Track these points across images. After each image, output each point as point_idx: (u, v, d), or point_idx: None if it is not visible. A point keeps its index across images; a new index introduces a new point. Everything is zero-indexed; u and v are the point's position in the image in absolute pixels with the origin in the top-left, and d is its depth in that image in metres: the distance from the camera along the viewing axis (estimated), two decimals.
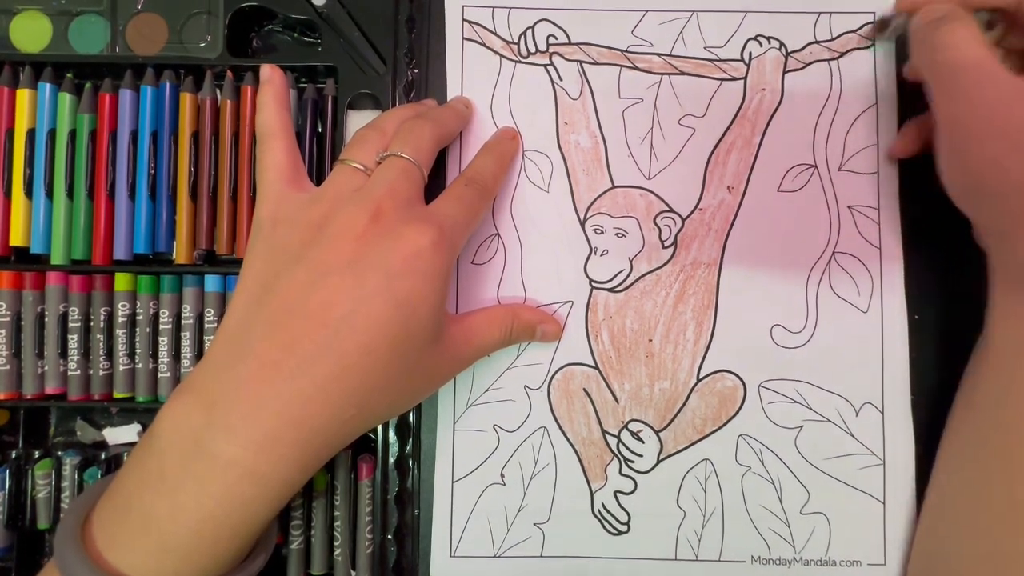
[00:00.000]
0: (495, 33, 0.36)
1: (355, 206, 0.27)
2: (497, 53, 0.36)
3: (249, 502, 0.24)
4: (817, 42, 0.35)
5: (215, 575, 0.25)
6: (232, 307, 0.27)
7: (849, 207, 0.35)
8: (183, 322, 0.33)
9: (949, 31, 0.28)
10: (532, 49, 0.36)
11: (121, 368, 0.33)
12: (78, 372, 0.33)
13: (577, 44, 0.36)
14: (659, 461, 0.34)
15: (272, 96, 0.31)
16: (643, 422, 0.34)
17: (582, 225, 0.35)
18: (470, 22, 0.36)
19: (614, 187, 0.35)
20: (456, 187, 0.31)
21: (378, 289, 0.25)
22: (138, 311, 0.33)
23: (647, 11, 0.36)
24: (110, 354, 0.33)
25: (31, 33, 0.34)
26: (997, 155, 0.27)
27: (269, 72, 0.32)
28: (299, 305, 0.25)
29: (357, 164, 0.29)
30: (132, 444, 0.35)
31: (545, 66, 0.36)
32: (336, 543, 0.33)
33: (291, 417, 0.24)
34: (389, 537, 0.33)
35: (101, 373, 0.33)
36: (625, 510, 0.34)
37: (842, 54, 0.35)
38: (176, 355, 0.33)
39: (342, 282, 0.25)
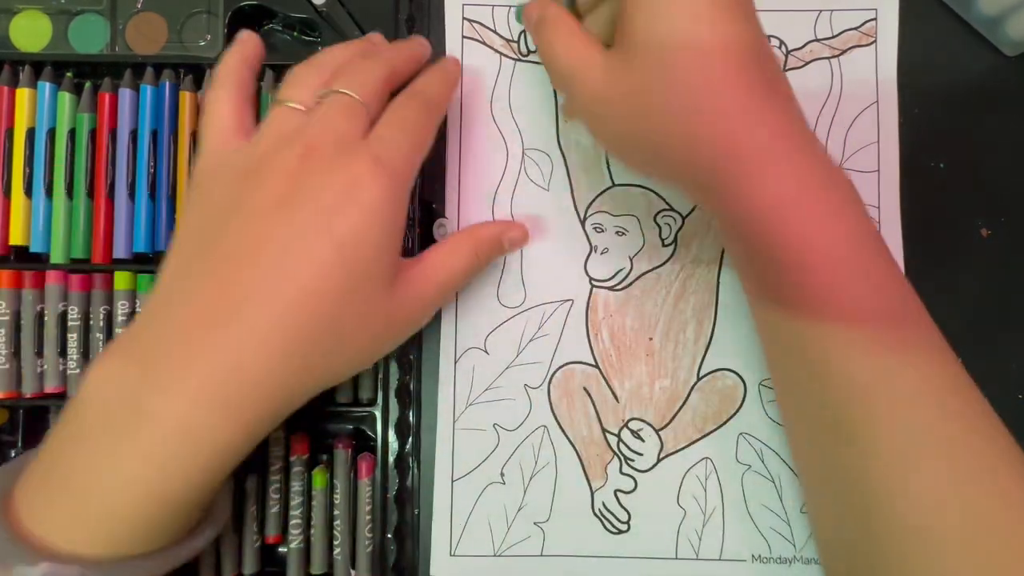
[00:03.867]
0: (495, 31, 0.36)
1: (289, 145, 0.25)
2: (497, 51, 0.36)
3: (179, 462, 0.22)
4: (817, 40, 0.35)
5: (146, 548, 0.23)
6: (165, 262, 0.26)
7: None
8: None
9: (540, 35, 0.28)
10: (532, 47, 0.36)
11: None
12: (78, 371, 0.32)
13: None
14: (659, 460, 0.34)
15: (238, 51, 0.30)
16: (643, 421, 0.34)
17: (582, 223, 0.35)
18: (470, 20, 0.36)
19: (614, 185, 0.35)
20: (393, 107, 0.28)
21: (312, 227, 0.24)
22: (138, 310, 0.33)
23: None
24: None
25: (31, 32, 0.34)
26: (617, 146, 0.28)
27: (244, 34, 0.30)
28: (231, 251, 0.24)
29: (294, 104, 0.27)
30: None
31: None
32: (336, 542, 0.33)
33: (225, 366, 0.23)
34: (389, 536, 0.33)
35: None
36: (625, 509, 0.34)
37: (843, 52, 0.35)
38: None
39: (272, 221, 0.24)
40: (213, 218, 0.25)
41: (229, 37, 0.34)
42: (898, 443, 0.24)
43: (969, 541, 0.23)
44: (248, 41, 0.30)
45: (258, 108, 0.33)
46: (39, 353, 0.33)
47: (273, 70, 0.34)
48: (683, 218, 0.35)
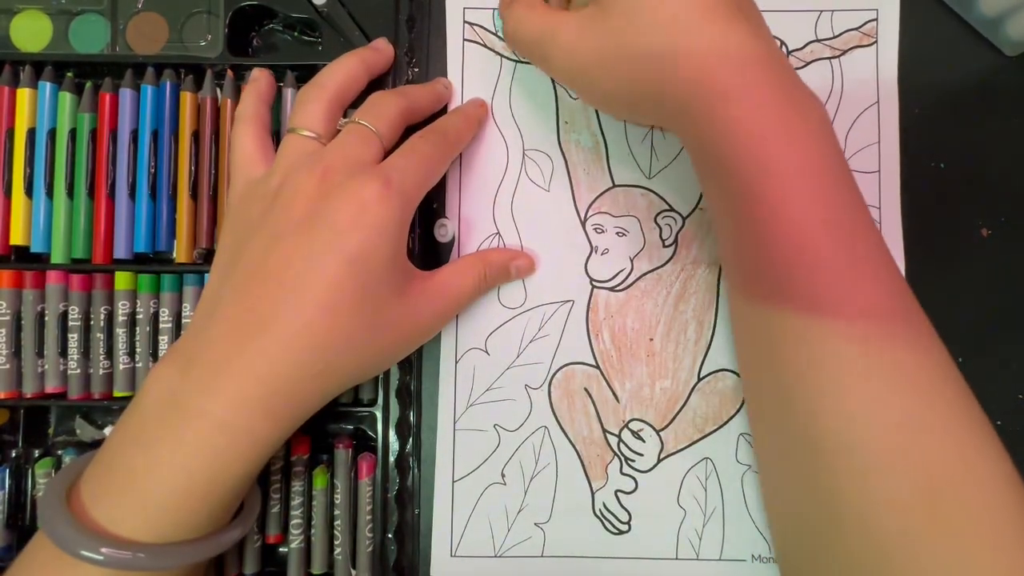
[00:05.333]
0: (496, 34, 0.36)
1: (306, 170, 0.28)
2: (498, 54, 0.36)
3: (220, 454, 0.25)
4: (818, 40, 0.35)
5: (192, 535, 0.26)
6: (208, 280, 0.29)
7: None
8: (183, 321, 0.33)
9: (506, 13, 0.31)
10: None
11: (121, 367, 0.33)
12: (78, 371, 0.32)
13: None
14: (660, 460, 0.34)
15: (253, 90, 0.32)
16: (644, 421, 0.34)
17: (583, 224, 0.35)
18: (471, 23, 0.36)
19: (615, 186, 0.35)
20: (410, 140, 0.30)
21: (328, 246, 0.26)
22: (138, 310, 0.33)
23: None
24: (110, 353, 0.33)
25: (31, 32, 0.34)
26: (595, 99, 0.30)
27: (257, 73, 0.33)
28: (259, 269, 0.27)
29: (306, 132, 0.29)
30: None
31: None
32: (336, 542, 0.33)
33: (256, 373, 0.25)
34: (389, 536, 0.33)
35: (101, 372, 0.33)
36: (626, 509, 0.34)
37: (843, 52, 0.35)
38: None
39: (295, 242, 0.26)
40: (244, 239, 0.28)
41: (230, 37, 0.34)
42: (873, 446, 0.24)
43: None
44: (261, 79, 0.33)
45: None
46: (40, 353, 0.33)
47: (274, 70, 0.34)
48: (684, 219, 0.35)
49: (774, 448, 0.29)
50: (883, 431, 0.24)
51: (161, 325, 0.33)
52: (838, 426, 0.25)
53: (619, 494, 0.34)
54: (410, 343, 0.30)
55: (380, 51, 0.33)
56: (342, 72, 0.31)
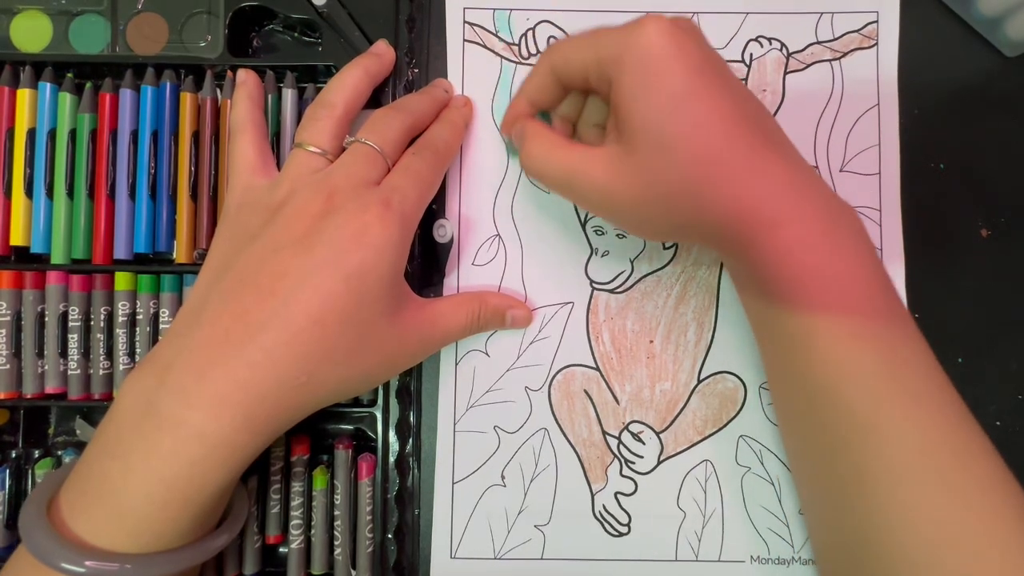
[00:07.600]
0: (496, 35, 0.36)
1: (312, 189, 0.28)
2: (498, 55, 0.36)
3: (197, 463, 0.25)
4: (819, 42, 0.35)
5: (173, 544, 0.26)
6: (195, 285, 0.29)
7: None
8: None
9: (524, 151, 0.30)
10: (533, 51, 0.36)
11: (121, 367, 0.33)
12: (78, 371, 0.32)
13: None
14: (660, 462, 0.34)
15: (245, 95, 0.32)
16: (644, 423, 0.34)
17: (583, 226, 0.35)
18: (471, 24, 0.36)
19: None
20: (404, 158, 0.30)
21: (326, 261, 0.26)
22: (138, 310, 0.33)
23: (647, 12, 0.36)
24: (110, 353, 0.33)
25: (31, 33, 0.34)
26: (627, 224, 0.30)
27: (244, 76, 0.33)
28: (252, 278, 0.27)
29: (313, 148, 0.30)
30: None
31: None
32: (336, 542, 0.33)
33: (238, 380, 0.25)
34: (389, 537, 0.33)
35: (101, 372, 0.33)
36: (626, 511, 0.34)
37: (844, 54, 0.35)
38: None
39: (293, 256, 0.26)
40: (240, 247, 0.28)
41: (230, 37, 0.34)
42: (877, 432, 0.25)
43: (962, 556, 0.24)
44: (249, 80, 0.33)
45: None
46: (40, 353, 0.33)
47: (274, 71, 0.34)
48: None
49: (806, 460, 0.30)
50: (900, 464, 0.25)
51: (161, 325, 0.33)
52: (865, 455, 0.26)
53: (619, 496, 0.34)
54: (393, 367, 0.30)
55: (382, 56, 0.33)
56: (348, 89, 0.31)
